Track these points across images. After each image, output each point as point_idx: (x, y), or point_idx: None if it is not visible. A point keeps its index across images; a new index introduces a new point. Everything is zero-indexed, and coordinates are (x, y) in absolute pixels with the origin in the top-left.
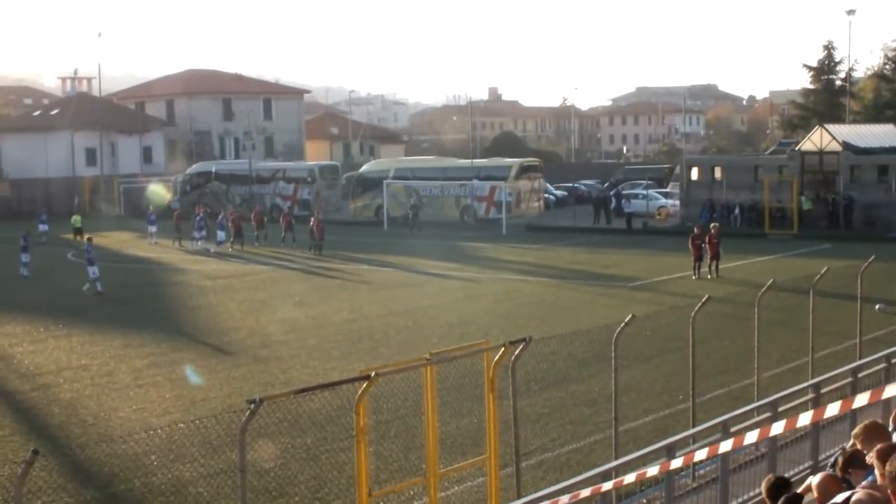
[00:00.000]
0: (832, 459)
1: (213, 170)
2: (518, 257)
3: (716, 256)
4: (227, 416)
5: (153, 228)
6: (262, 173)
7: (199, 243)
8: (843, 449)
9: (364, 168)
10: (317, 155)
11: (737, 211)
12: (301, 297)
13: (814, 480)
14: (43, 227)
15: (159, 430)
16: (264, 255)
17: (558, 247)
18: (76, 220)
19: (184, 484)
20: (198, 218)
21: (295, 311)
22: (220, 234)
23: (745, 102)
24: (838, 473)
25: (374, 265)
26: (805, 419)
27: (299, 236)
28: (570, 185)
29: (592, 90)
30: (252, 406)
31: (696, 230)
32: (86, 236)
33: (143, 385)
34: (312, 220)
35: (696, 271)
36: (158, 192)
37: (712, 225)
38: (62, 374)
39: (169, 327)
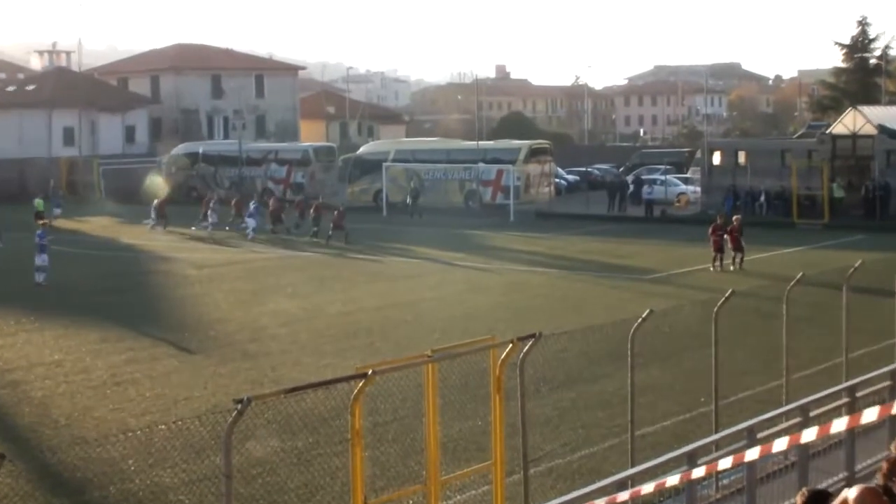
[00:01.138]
0: (870, 469)
1: (201, 151)
2: (527, 246)
3: (738, 249)
4: (211, 416)
5: (153, 216)
6: (253, 155)
7: (209, 229)
8: (887, 457)
9: (362, 149)
10: (312, 135)
11: (762, 199)
12: (293, 288)
13: (850, 493)
14: None
15: (138, 432)
16: (259, 243)
17: (570, 235)
18: (39, 203)
19: (164, 490)
20: (211, 202)
21: (287, 302)
22: (251, 222)
23: (771, 82)
24: (880, 483)
25: (371, 254)
26: (839, 425)
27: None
28: (583, 169)
29: (607, 68)
30: (239, 406)
31: (717, 220)
32: (40, 221)
33: (120, 383)
34: (314, 205)
35: (717, 263)
36: (158, 183)
37: (735, 218)
38: (33, 371)
39: (150, 320)
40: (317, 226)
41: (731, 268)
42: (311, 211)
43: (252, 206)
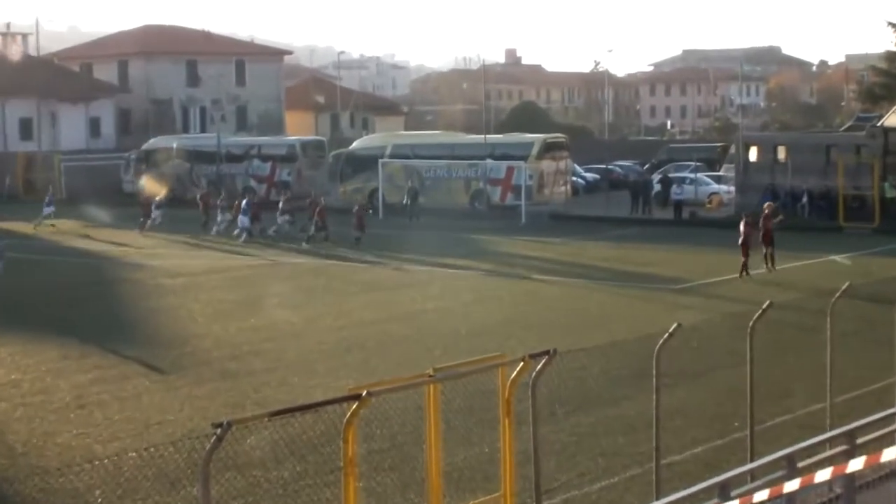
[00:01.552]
0: None
1: (175, 145)
2: (540, 253)
3: (770, 242)
4: (187, 442)
5: (157, 214)
6: (234, 150)
7: (222, 227)
8: None
9: (356, 144)
10: (299, 128)
11: (805, 199)
12: (280, 299)
13: None
14: None
15: (105, 461)
16: (248, 248)
17: (588, 240)
18: None
19: None
20: (218, 201)
21: (272, 315)
22: (244, 221)
23: (814, 68)
24: None
25: (366, 261)
26: (890, 454)
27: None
28: (603, 166)
29: (630, 53)
30: (218, 431)
31: (746, 219)
32: None
33: (85, 405)
34: (317, 207)
35: (745, 272)
36: (152, 186)
37: (767, 205)
38: None
39: (118, 335)
40: (324, 229)
41: (765, 267)
42: (316, 214)
43: (244, 203)
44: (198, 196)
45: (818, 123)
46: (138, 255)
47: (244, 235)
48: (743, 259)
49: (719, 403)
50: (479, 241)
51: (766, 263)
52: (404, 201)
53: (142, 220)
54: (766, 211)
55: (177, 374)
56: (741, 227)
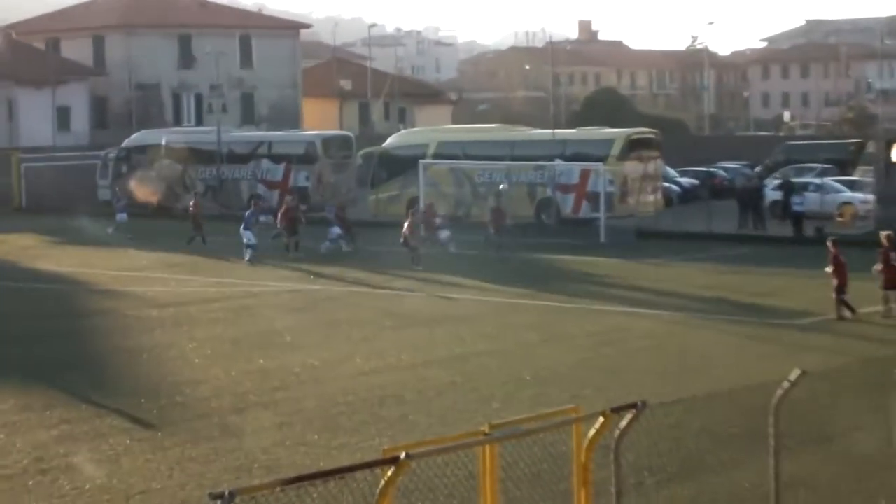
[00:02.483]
0: None
1: (164, 142)
2: (624, 278)
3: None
4: None
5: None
6: (237, 148)
7: (328, 246)
8: None
9: (391, 141)
10: (320, 121)
11: None
12: (293, 336)
13: None
14: None
15: None
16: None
17: (685, 263)
18: None
19: None
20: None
21: (284, 356)
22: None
23: None
24: None
25: (403, 288)
26: None
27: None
28: (704, 169)
29: (737, 26)
30: (219, 503)
31: (885, 240)
32: None
33: (48, 469)
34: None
35: (891, 304)
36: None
37: (885, 234)
38: None
39: (92, 380)
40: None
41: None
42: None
43: (247, 214)
44: (189, 205)
45: None
46: (116, 280)
47: (249, 253)
48: (887, 290)
49: (857, 474)
50: (546, 264)
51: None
52: (490, 227)
53: (193, 234)
54: (886, 243)
55: (165, 429)
56: (880, 265)
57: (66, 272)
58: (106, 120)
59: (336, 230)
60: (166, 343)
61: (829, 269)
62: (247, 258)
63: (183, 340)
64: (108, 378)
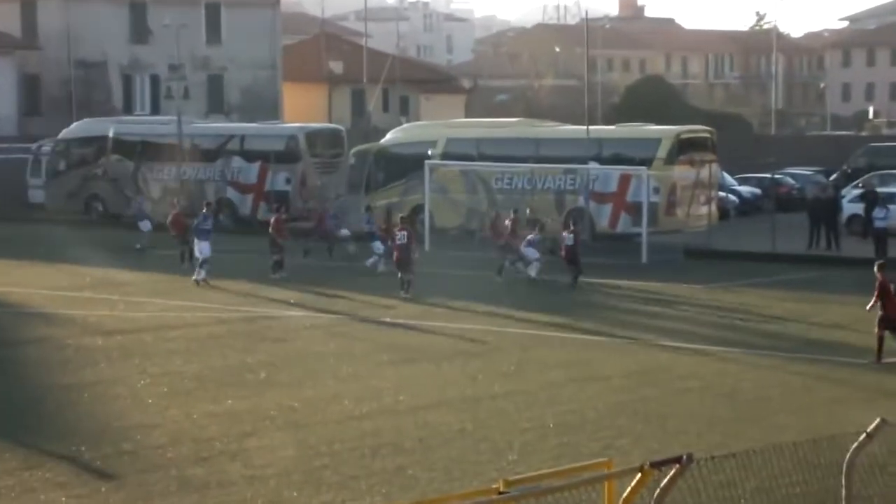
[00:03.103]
0: None
1: (112, 133)
2: (669, 307)
3: None
4: None
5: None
6: (202, 142)
7: (375, 262)
8: None
9: (391, 137)
10: (303, 111)
11: None
12: (268, 371)
13: None
14: None
15: None
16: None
17: (742, 288)
18: None
19: None
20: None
21: (257, 396)
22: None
23: None
24: None
25: (401, 315)
26: None
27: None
28: (768, 175)
29: (812, 2)
30: None
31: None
32: None
33: None
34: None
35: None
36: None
37: None
38: None
39: (20, 423)
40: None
41: None
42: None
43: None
44: (168, 218)
45: None
46: (53, 301)
47: (202, 273)
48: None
49: None
50: (577, 288)
51: None
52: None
53: (182, 249)
54: None
55: (112, 483)
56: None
57: None
58: (38, 105)
59: (379, 245)
60: (113, 378)
61: (869, 307)
62: (200, 276)
63: (133, 375)
64: (40, 421)
